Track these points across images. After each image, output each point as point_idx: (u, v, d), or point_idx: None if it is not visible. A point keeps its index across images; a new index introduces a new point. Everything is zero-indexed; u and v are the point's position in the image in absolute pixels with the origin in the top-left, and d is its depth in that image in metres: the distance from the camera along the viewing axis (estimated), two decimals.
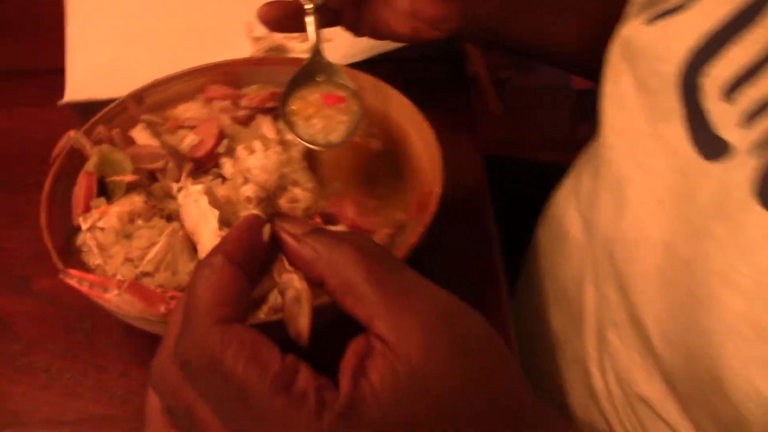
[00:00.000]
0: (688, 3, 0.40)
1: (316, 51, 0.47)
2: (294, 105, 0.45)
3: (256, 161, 0.44)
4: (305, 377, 0.26)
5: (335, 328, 0.30)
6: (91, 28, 0.68)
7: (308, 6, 0.47)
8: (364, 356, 0.27)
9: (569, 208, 0.54)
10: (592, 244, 0.49)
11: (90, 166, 0.43)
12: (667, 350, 0.39)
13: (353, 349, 0.28)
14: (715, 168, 0.36)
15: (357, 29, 0.54)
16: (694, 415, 0.38)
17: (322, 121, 0.45)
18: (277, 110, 0.47)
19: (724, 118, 0.36)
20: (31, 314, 0.47)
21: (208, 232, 0.39)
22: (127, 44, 0.67)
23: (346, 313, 0.29)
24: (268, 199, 0.43)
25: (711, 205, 0.36)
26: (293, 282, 0.29)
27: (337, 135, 0.44)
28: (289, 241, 0.31)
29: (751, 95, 0.36)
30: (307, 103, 0.45)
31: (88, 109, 0.52)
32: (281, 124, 0.47)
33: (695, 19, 0.39)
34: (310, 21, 0.48)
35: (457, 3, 0.52)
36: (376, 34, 0.54)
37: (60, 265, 0.39)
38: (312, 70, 0.46)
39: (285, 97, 0.45)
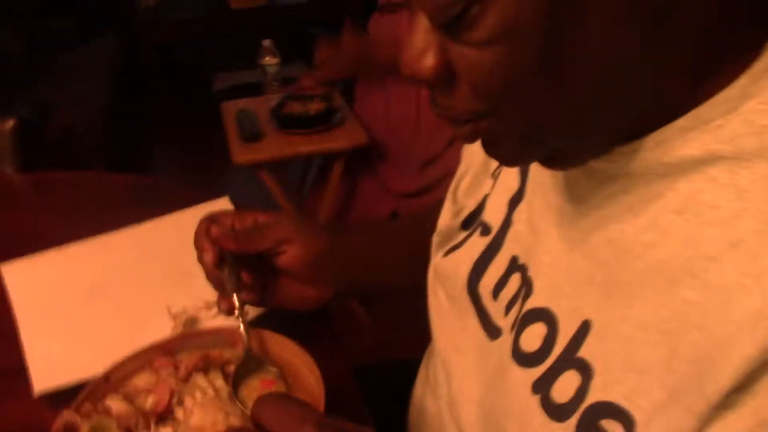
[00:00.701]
0: (462, 242, 0.62)
1: (248, 349, 0.66)
2: (244, 392, 0.64)
3: (196, 417, 0.63)
4: None
5: None
6: (40, 326, 0.82)
7: (240, 318, 0.68)
8: None
9: (425, 390, 0.70)
10: (439, 413, 0.64)
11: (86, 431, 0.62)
12: None
13: None
14: (494, 345, 0.55)
15: (263, 305, 0.77)
16: None
17: None
18: (212, 374, 0.67)
19: (495, 312, 0.56)
20: None
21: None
22: (74, 334, 0.81)
23: None
24: None
25: (495, 369, 0.54)
26: None
27: None
28: None
29: (504, 295, 0.55)
30: (251, 389, 0.65)
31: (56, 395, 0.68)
32: (211, 377, 0.68)
33: (467, 252, 0.60)
34: (242, 329, 0.67)
35: (328, 287, 0.75)
36: (278, 305, 0.75)
37: None
38: (247, 364, 0.66)
39: (234, 386, 0.63)
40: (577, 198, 0.49)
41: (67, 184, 1.21)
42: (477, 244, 0.59)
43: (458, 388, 0.60)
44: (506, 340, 0.53)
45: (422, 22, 0.41)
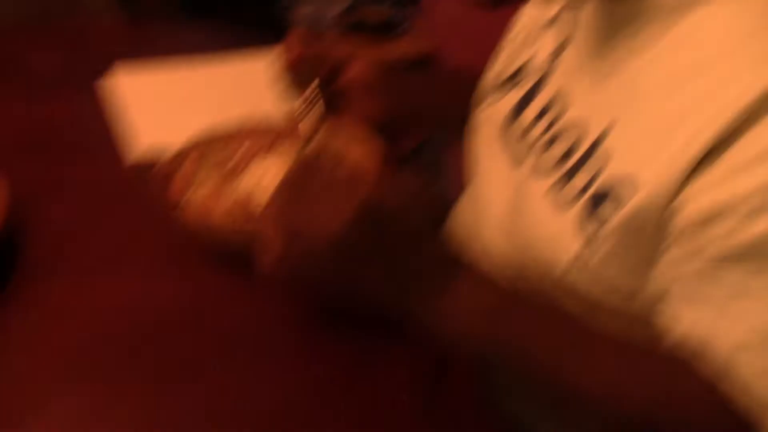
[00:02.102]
0: (501, 96, 0.72)
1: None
2: None
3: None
4: None
5: None
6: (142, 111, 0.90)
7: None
8: None
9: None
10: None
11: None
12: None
13: None
14: (518, 172, 0.65)
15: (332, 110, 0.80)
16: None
17: None
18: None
19: (523, 147, 0.65)
20: None
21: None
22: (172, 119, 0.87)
23: None
24: None
25: (518, 186, 0.64)
26: None
27: None
28: None
29: (535, 132, 0.64)
30: None
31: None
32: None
33: (506, 102, 0.70)
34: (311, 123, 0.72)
35: (385, 104, 0.81)
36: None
37: None
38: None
39: None
40: (613, 33, 0.59)
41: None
42: (515, 94, 0.70)
43: (484, 210, 0.70)
44: (528, 163, 0.63)
45: None
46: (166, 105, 0.93)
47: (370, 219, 0.50)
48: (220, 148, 0.71)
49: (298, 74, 0.81)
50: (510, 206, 0.64)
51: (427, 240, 0.54)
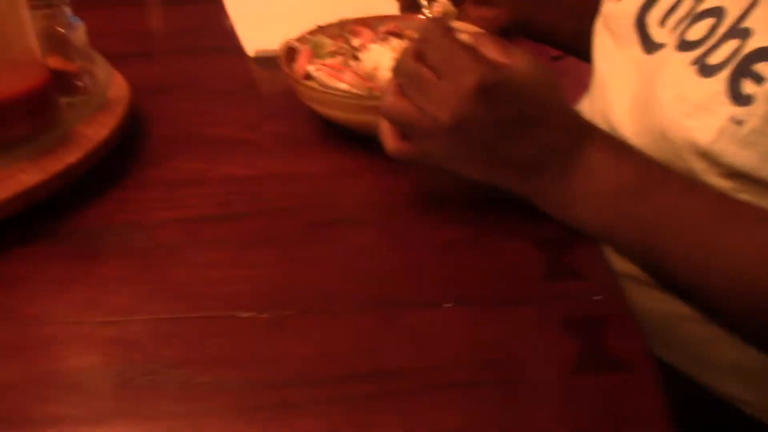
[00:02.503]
0: None
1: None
2: None
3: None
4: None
5: None
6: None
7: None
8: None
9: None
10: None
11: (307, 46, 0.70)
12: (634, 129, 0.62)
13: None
14: (654, 56, 0.62)
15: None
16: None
17: None
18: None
19: (659, 33, 0.63)
20: None
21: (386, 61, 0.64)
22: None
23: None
24: None
25: (655, 66, 0.61)
26: None
27: None
28: None
29: (673, 19, 0.62)
30: None
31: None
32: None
33: None
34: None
35: (504, 10, 0.81)
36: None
37: None
38: None
39: None
40: None
41: None
42: None
43: (613, 95, 0.67)
44: (669, 44, 0.61)
45: None
46: (277, 9, 0.97)
47: (490, 94, 0.50)
48: (334, 37, 0.73)
49: None
50: (646, 88, 0.61)
51: (556, 112, 0.53)
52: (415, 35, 0.63)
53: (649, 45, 0.64)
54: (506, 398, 0.43)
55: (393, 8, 0.83)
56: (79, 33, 0.65)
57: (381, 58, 0.65)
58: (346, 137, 0.66)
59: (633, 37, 0.66)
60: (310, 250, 0.55)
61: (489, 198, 0.57)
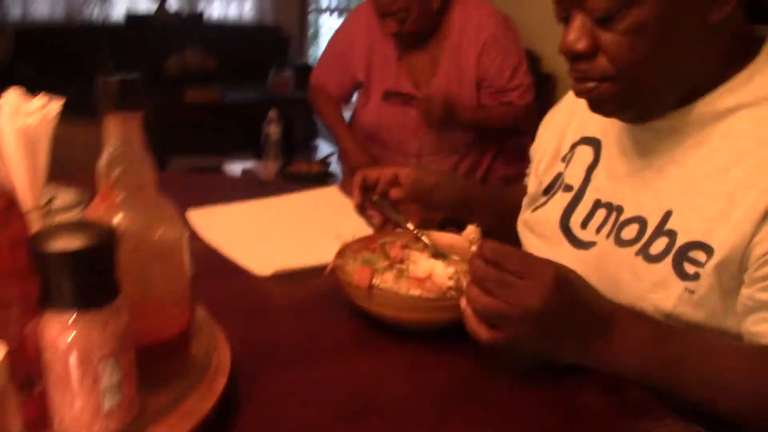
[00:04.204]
0: (546, 201, 0.91)
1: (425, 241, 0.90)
2: None
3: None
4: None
5: None
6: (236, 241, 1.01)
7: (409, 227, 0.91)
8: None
9: None
10: None
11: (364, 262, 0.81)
12: None
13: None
14: (590, 252, 0.82)
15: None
16: None
17: None
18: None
19: (586, 235, 0.83)
20: None
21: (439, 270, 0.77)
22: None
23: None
24: None
25: (598, 259, 0.81)
26: None
27: None
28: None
29: (593, 224, 0.83)
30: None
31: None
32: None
33: (555, 204, 0.89)
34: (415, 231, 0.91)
35: (437, 212, 1.01)
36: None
37: None
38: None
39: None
40: (647, 152, 0.80)
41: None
42: (563, 198, 0.89)
43: None
44: (602, 243, 0.81)
45: (577, 21, 0.72)
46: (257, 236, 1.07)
47: (563, 283, 0.65)
48: (363, 248, 0.86)
49: (367, 206, 1.00)
50: (596, 275, 0.76)
51: (594, 298, 0.69)
52: (466, 248, 0.84)
53: (579, 243, 0.84)
54: None
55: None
56: None
57: (431, 267, 0.78)
58: (396, 335, 0.77)
59: (560, 238, 0.87)
60: None
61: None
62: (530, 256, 0.69)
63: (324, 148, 4.10)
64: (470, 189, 1.08)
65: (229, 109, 3.97)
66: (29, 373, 0.54)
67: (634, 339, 0.67)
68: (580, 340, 0.68)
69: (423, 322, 0.76)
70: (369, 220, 0.99)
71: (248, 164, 2.78)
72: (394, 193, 0.97)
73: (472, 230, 0.88)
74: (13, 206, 0.52)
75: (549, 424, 0.65)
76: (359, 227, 0.97)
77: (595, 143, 0.87)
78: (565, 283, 0.66)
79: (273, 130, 2.58)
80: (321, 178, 2.42)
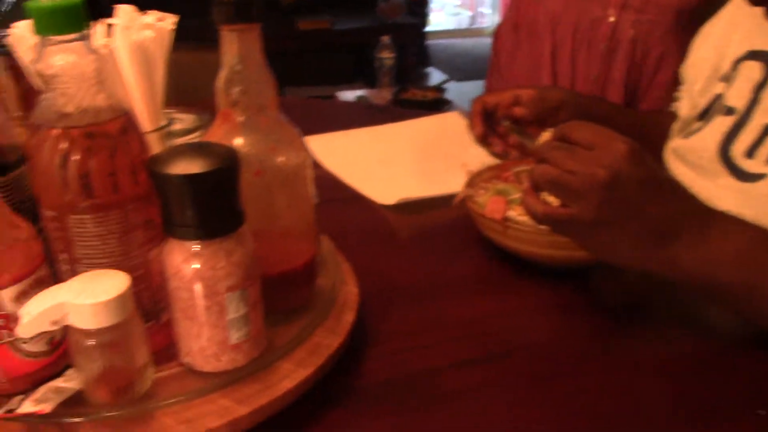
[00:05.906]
0: (701, 127, 0.79)
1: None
2: None
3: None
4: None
5: None
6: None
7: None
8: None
9: None
10: None
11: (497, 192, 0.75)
12: None
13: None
14: (759, 184, 0.70)
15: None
16: None
17: None
18: None
19: (752, 165, 0.72)
20: None
21: None
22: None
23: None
24: None
25: (760, 194, 0.69)
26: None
27: None
28: None
29: (762, 152, 0.71)
30: None
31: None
32: None
33: (713, 130, 0.77)
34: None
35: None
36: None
37: None
38: None
39: None
40: None
41: None
42: (723, 122, 0.76)
43: None
44: (765, 180, 0.69)
45: None
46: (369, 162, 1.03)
47: (638, 157, 0.55)
48: (494, 178, 0.80)
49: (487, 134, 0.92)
50: (765, 217, 0.66)
51: (676, 194, 0.57)
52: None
53: (743, 175, 0.73)
54: None
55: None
56: None
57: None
58: (535, 273, 0.71)
59: (720, 169, 0.75)
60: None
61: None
62: (601, 128, 0.57)
63: (436, 75, 3.99)
64: (601, 109, 0.97)
65: (340, 36, 3.95)
66: (156, 300, 0.52)
67: (734, 245, 0.55)
68: (662, 236, 0.55)
69: (563, 259, 0.69)
70: (490, 148, 0.92)
71: (361, 92, 2.74)
72: (518, 111, 0.89)
73: None
74: (131, 127, 0.49)
75: (702, 384, 0.56)
76: (487, 156, 0.90)
77: (765, 57, 0.75)
78: (642, 157, 0.55)
79: (386, 55, 2.52)
80: (436, 105, 2.34)
